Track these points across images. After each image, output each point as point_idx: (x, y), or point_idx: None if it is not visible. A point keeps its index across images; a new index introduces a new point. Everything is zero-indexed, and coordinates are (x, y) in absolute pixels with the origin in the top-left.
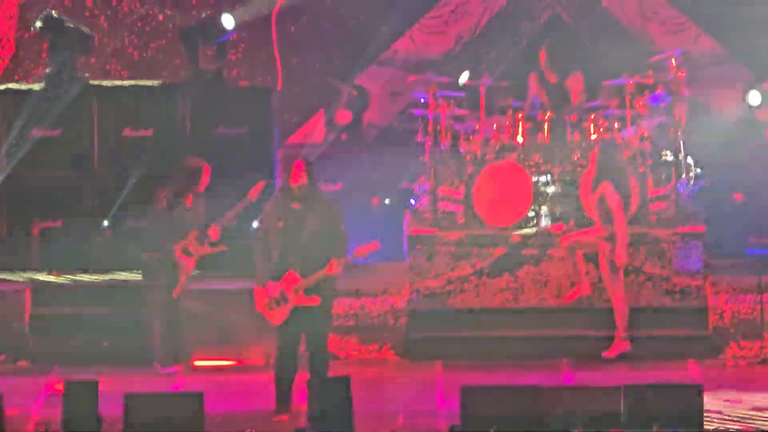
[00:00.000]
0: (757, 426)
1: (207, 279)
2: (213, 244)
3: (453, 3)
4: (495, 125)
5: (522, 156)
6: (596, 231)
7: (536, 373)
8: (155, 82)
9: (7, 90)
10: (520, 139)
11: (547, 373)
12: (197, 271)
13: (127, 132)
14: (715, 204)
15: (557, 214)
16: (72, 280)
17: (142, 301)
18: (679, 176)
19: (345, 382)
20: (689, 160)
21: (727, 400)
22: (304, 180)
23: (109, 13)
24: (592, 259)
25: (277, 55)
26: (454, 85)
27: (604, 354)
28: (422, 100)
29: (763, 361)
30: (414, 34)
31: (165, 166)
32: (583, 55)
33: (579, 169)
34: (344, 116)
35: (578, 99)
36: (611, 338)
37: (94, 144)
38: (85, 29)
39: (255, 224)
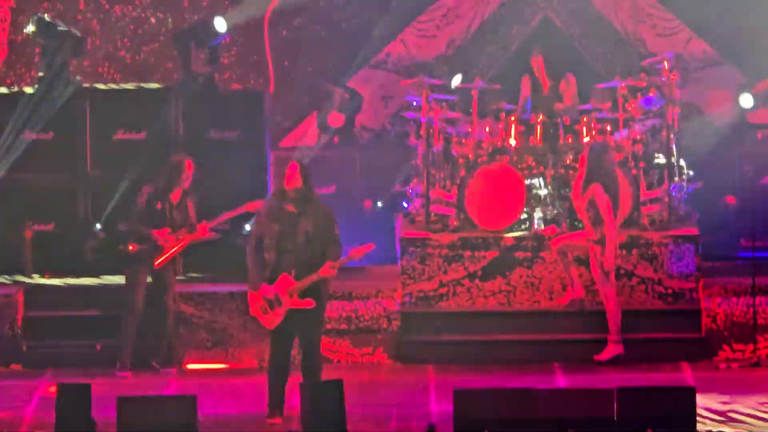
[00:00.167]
0: (750, 429)
1: (199, 282)
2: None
3: (445, 7)
4: (487, 128)
5: (514, 159)
6: (586, 234)
7: (529, 376)
8: (148, 86)
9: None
10: (512, 142)
11: (540, 376)
12: (190, 275)
13: (119, 135)
14: (707, 207)
15: (550, 216)
16: (65, 283)
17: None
18: (672, 179)
19: (338, 385)
20: (682, 162)
21: (720, 403)
22: (298, 183)
23: (101, 16)
24: (584, 262)
25: (269, 59)
26: (447, 89)
27: (597, 357)
28: (414, 103)
29: (756, 364)
30: (406, 38)
31: (158, 169)
32: (575, 58)
33: (571, 171)
34: (337, 119)
35: (571, 102)
36: (604, 341)
37: (86, 147)
38: (78, 32)
39: (247, 227)
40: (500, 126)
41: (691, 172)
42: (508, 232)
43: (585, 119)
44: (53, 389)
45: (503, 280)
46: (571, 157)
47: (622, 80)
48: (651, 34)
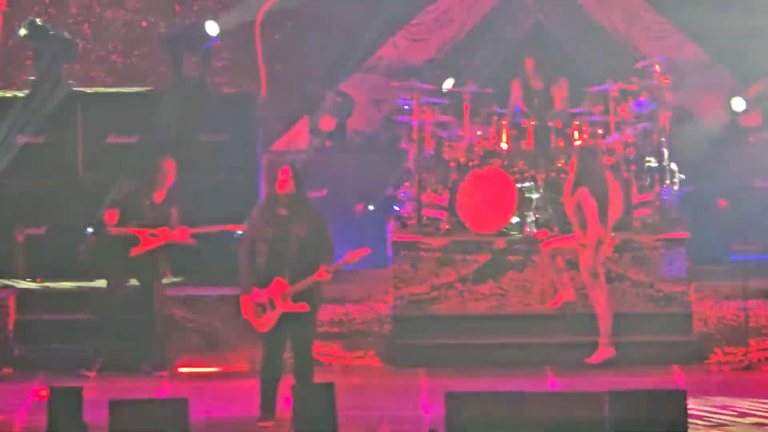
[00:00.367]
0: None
1: (191, 285)
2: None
3: (436, 11)
4: (479, 132)
5: (506, 162)
6: (576, 237)
7: (520, 379)
8: (139, 89)
9: None
10: (504, 145)
11: (532, 379)
12: (180, 278)
13: (111, 139)
14: (699, 210)
15: (541, 220)
16: (56, 287)
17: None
18: (663, 182)
19: (329, 388)
20: (673, 166)
21: (712, 406)
22: (290, 187)
23: (92, 20)
24: (575, 265)
25: (261, 62)
26: (438, 92)
27: (588, 360)
28: (406, 107)
29: (748, 367)
30: (398, 42)
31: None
32: (566, 61)
33: (563, 175)
34: (328, 123)
35: (562, 105)
36: (595, 344)
37: (78, 151)
38: (69, 36)
39: (239, 231)
40: (492, 129)
41: (682, 176)
42: (499, 236)
43: (577, 122)
44: (45, 392)
45: (495, 283)
46: (562, 160)
47: (613, 84)
48: (643, 37)
